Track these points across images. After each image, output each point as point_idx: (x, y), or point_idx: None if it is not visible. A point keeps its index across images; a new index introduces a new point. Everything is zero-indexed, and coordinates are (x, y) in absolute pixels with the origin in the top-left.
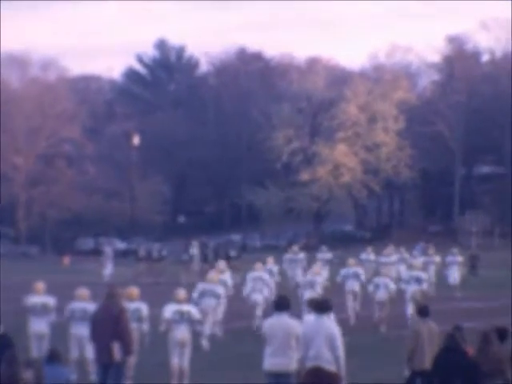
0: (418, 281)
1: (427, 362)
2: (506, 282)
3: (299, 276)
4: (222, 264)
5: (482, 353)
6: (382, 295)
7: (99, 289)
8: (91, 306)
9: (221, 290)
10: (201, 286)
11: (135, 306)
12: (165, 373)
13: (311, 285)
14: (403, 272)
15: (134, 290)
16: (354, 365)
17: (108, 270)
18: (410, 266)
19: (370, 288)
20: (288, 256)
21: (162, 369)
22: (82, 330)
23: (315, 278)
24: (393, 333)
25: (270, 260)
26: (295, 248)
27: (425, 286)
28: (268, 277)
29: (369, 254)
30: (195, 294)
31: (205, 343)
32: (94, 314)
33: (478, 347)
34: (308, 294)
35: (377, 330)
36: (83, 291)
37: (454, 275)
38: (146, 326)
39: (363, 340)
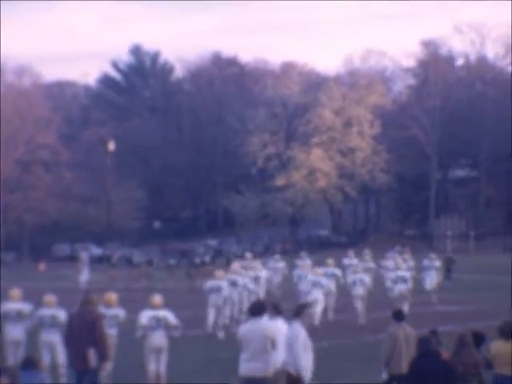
0: (404, 280)
1: (404, 366)
2: (482, 286)
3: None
4: (235, 264)
5: (457, 356)
6: (359, 290)
7: (76, 295)
8: (60, 312)
9: (225, 286)
10: (209, 284)
11: (113, 312)
12: (142, 378)
13: (319, 285)
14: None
15: (112, 296)
16: (332, 369)
17: (84, 275)
18: (395, 269)
19: (349, 285)
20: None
21: (139, 374)
22: (52, 336)
23: (320, 278)
24: (371, 337)
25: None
26: (277, 256)
27: (410, 284)
28: (266, 274)
29: (351, 259)
30: (206, 291)
31: (220, 334)
32: (69, 320)
33: (454, 351)
34: (315, 294)
35: (356, 323)
36: (51, 297)
37: (431, 280)
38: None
39: (342, 344)
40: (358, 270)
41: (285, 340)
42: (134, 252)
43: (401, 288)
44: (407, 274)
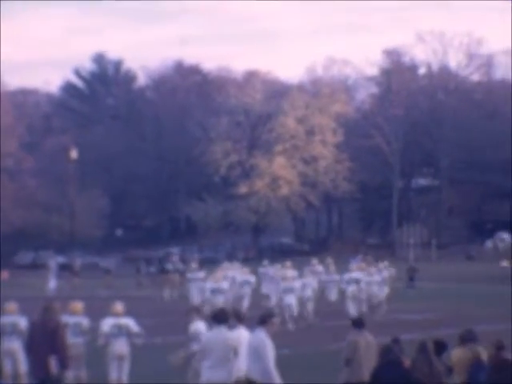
0: (357, 281)
1: (365, 374)
2: (444, 294)
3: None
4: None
5: (416, 364)
6: (307, 293)
7: (41, 303)
8: (21, 320)
9: (227, 287)
10: (209, 285)
11: (76, 319)
12: None
13: (291, 290)
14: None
15: (78, 305)
16: (294, 378)
17: (52, 284)
18: (349, 270)
19: (299, 289)
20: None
21: (101, 382)
22: (13, 344)
23: (291, 284)
24: (334, 346)
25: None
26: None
27: (362, 285)
28: (254, 279)
29: (314, 266)
30: (207, 294)
31: None
32: (31, 328)
33: (413, 358)
34: (287, 300)
35: (306, 322)
36: (12, 305)
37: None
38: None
39: (304, 352)
40: (307, 274)
41: (247, 348)
42: (108, 260)
43: (352, 289)
44: (360, 276)
